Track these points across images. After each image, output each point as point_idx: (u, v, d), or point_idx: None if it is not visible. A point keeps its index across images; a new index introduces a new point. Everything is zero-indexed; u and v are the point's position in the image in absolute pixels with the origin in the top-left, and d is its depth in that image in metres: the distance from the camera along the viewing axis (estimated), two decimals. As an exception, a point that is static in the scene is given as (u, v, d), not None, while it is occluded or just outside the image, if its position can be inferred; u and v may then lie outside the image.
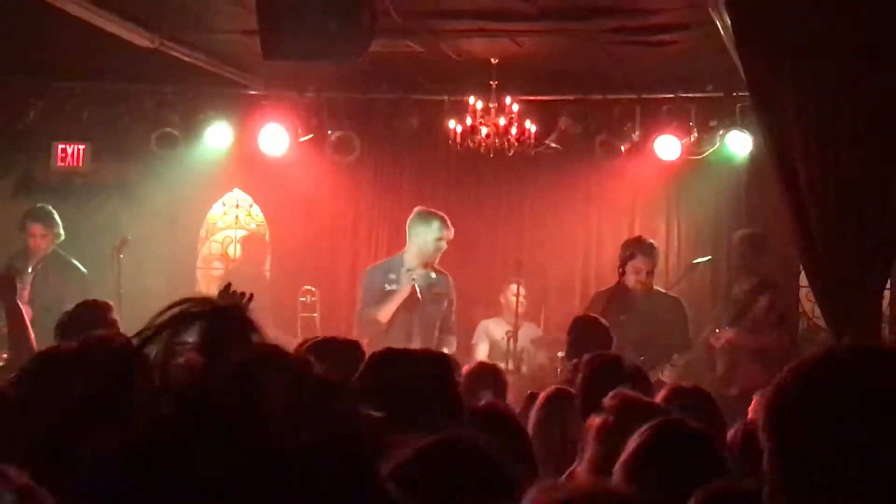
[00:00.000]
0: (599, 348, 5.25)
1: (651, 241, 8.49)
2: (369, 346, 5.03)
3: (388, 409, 2.89)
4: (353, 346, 4.50)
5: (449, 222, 8.25)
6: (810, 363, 1.87)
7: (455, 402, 3.11)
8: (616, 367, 4.36)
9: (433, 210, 8.37)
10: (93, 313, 5.08)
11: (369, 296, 8.29)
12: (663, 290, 8.54)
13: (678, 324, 8.23)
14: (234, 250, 10.77)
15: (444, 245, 8.22)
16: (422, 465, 2.08)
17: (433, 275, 8.29)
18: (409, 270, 8.19)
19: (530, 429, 4.16)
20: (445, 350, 7.31)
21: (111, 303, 5.40)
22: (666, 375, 7.67)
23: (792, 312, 9.18)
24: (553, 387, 4.67)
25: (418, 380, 3.11)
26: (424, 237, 8.19)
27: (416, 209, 8.47)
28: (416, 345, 7.49)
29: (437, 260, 8.31)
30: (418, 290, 8.15)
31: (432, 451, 2.13)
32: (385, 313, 8.16)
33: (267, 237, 10.73)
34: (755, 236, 8.79)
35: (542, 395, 4.58)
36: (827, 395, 1.81)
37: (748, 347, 8.37)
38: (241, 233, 10.74)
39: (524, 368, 8.98)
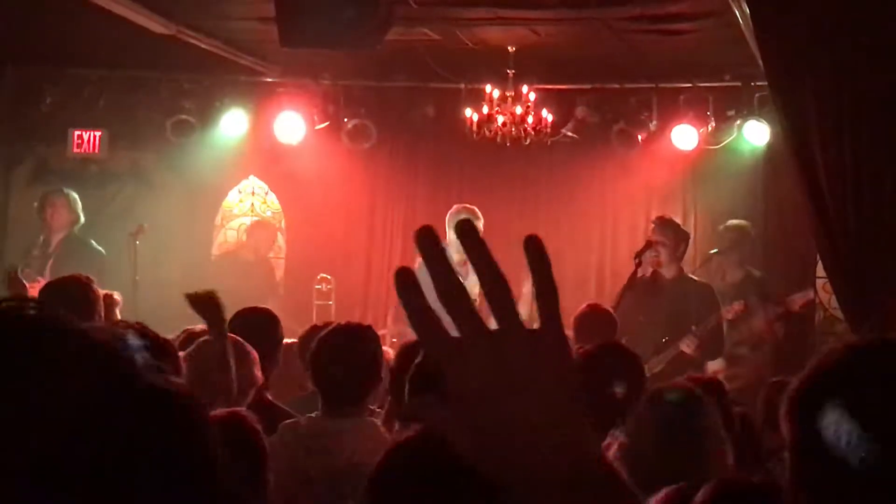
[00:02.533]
0: (602, 336, 5.33)
1: (669, 217, 8.41)
2: None
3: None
4: None
5: (478, 213, 8.24)
6: (835, 357, 1.85)
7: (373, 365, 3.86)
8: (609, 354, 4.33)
9: (465, 205, 8.41)
10: (71, 290, 4.90)
11: None
12: (695, 278, 8.42)
13: (708, 308, 8.07)
14: (249, 238, 10.74)
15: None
16: (396, 461, 2.03)
17: None
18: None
19: None
20: None
21: (92, 276, 5.25)
22: (685, 345, 7.65)
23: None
24: None
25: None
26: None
27: (454, 206, 8.50)
28: None
29: None
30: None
31: (406, 446, 2.06)
32: None
33: (282, 224, 10.73)
34: (741, 228, 8.74)
35: None
36: (853, 389, 1.79)
37: (747, 342, 8.36)
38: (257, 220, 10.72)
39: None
